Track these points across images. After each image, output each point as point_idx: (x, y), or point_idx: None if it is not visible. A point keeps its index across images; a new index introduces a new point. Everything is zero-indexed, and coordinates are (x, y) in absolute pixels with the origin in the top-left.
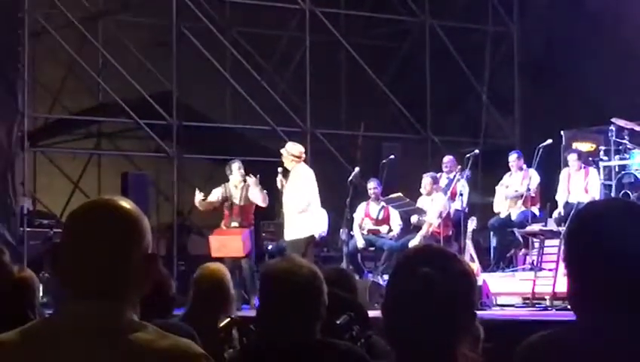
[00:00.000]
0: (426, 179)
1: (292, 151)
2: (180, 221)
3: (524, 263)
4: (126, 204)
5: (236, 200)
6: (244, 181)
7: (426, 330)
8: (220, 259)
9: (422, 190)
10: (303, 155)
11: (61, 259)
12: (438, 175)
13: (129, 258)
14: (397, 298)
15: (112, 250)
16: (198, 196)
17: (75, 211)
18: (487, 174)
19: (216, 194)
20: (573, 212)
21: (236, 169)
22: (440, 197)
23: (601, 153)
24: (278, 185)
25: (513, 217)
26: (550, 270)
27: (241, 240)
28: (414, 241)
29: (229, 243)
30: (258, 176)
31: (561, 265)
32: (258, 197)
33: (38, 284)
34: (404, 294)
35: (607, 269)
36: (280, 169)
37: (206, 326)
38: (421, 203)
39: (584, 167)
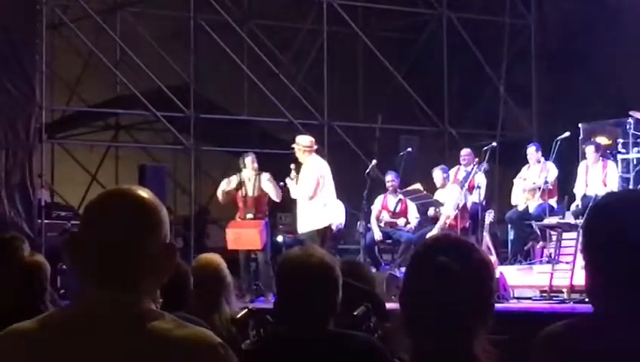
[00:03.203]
0: (437, 173)
1: (303, 142)
2: (198, 213)
3: (541, 256)
4: (144, 193)
5: (250, 192)
6: (258, 173)
7: (444, 320)
8: (235, 252)
9: (436, 184)
10: (314, 146)
11: (79, 249)
12: (456, 168)
13: (147, 247)
14: (415, 287)
15: (130, 239)
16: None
17: (93, 200)
18: (504, 167)
19: (233, 183)
20: (591, 204)
21: (249, 163)
22: (455, 188)
23: (619, 146)
24: (288, 184)
25: (531, 210)
26: (567, 263)
27: (258, 233)
28: (432, 234)
29: (245, 235)
30: (268, 175)
31: (579, 257)
32: (272, 191)
33: (49, 269)
34: (421, 283)
35: (625, 260)
36: (292, 166)
37: (203, 316)
38: (438, 196)
39: (602, 160)
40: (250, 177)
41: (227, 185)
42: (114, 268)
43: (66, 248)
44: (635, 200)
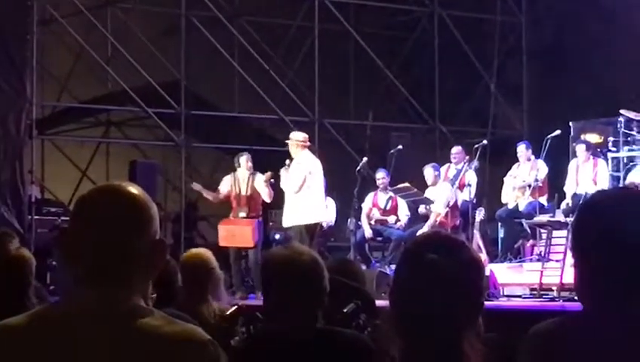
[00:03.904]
0: (428, 170)
1: (297, 137)
2: (188, 210)
3: (531, 254)
4: (134, 189)
5: (243, 191)
6: (252, 173)
7: (433, 318)
8: (226, 248)
9: (427, 181)
10: (308, 142)
11: (68, 245)
12: (447, 165)
13: (136, 244)
14: (404, 285)
15: (121, 236)
16: (201, 188)
17: (83, 196)
18: (495, 165)
19: (225, 184)
20: (581, 202)
21: (244, 162)
22: (446, 186)
23: (610, 144)
24: (281, 174)
25: (521, 208)
26: (557, 261)
27: (251, 230)
28: (422, 231)
29: (238, 232)
30: (269, 173)
31: (569, 255)
32: (264, 191)
33: (34, 264)
34: (411, 281)
35: (613, 258)
36: (287, 161)
37: (192, 311)
38: (429, 193)
39: (593, 158)
40: (244, 177)
41: (222, 186)
42: (104, 265)
43: (57, 244)
44: (625, 198)
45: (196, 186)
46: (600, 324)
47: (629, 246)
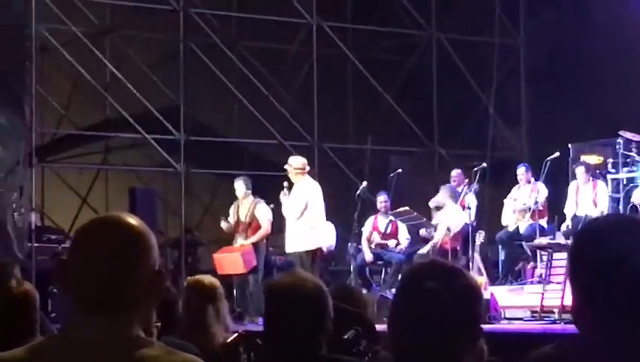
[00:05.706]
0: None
1: (295, 164)
2: (188, 236)
3: (532, 276)
4: (133, 220)
5: (242, 217)
6: (255, 201)
7: (432, 344)
8: (229, 275)
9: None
10: (307, 167)
11: (68, 275)
12: None
13: (136, 274)
14: (402, 313)
15: (119, 266)
16: (224, 224)
17: (82, 227)
18: (494, 187)
19: (232, 213)
20: (578, 228)
21: (236, 186)
22: (455, 210)
23: (609, 166)
24: (281, 199)
25: (521, 230)
26: (558, 283)
27: (241, 258)
28: (424, 250)
29: (229, 260)
30: (265, 206)
31: None
32: (262, 220)
33: (38, 299)
34: (409, 309)
35: (608, 285)
36: (285, 183)
37: (194, 338)
38: (437, 217)
39: (592, 180)
40: (245, 203)
41: (230, 216)
42: (103, 297)
43: (57, 276)
44: (621, 225)
45: (225, 226)
46: (597, 349)
47: (625, 272)
